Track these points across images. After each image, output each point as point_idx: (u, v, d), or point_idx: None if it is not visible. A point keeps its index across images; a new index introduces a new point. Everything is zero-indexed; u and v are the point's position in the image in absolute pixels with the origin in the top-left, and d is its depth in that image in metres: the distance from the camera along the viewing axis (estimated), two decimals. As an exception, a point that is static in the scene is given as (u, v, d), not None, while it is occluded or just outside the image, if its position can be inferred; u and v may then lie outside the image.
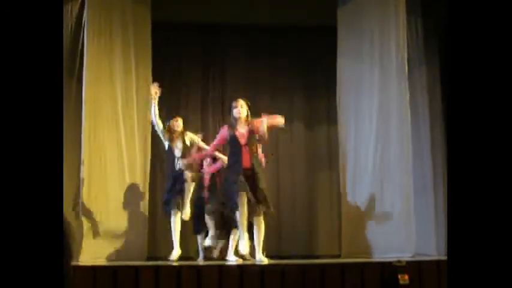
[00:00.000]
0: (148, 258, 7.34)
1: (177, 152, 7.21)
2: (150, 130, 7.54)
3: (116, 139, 7.18)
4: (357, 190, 7.48)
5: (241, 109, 6.46)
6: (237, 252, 6.74)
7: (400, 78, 7.32)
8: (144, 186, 7.34)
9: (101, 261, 6.56)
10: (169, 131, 7.32)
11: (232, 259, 6.96)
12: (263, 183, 6.33)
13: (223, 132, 6.55)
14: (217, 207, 6.81)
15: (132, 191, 7.22)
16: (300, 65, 9.22)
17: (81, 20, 7.26)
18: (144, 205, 7.31)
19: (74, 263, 5.74)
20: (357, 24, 7.76)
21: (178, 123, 7.38)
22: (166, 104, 8.82)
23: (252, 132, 6.41)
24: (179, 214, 7.07)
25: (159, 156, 8.33)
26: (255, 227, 6.37)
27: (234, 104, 6.53)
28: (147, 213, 7.35)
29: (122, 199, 7.17)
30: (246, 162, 6.35)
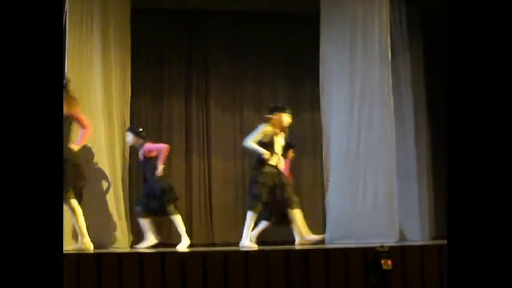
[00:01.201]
0: (133, 246, 7.33)
1: (278, 149, 6.95)
2: (128, 118, 7.56)
3: (96, 126, 7.17)
4: (340, 176, 7.48)
5: None
6: None
7: (383, 64, 7.33)
8: (124, 172, 7.35)
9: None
10: (275, 125, 6.92)
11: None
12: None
13: None
14: None
15: (112, 177, 7.22)
16: (283, 51, 9.20)
17: (63, 7, 7.22)
18: (124, 192, 7.32)
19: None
20: (340, 10, 7.75)
21: (288, 118, 7.06)
22: (150, 91, 8.81)
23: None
24: None
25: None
26: None
27: None
28: (127, 200, 7.36)
29: (102, 186, 7.17)
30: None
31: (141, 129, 7.40)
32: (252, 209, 6.85)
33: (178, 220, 7.24)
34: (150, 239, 7.18)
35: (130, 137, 7.32)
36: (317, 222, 8.47)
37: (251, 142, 6.88)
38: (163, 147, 7.23)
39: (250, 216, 6.86)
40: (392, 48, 7.41)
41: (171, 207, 7.20)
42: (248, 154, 8.91)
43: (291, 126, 9.09)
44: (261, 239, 8.37)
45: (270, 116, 6.99)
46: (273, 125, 6.93)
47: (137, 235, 7.70)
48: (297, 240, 6.99)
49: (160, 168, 7.09)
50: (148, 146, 7.25)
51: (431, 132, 8.34)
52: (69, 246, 6.39)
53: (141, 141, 7.30)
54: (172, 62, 8.97)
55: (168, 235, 8.33)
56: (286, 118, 7.00)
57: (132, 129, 7.38)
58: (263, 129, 6.91)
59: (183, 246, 7.04)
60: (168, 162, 8.45)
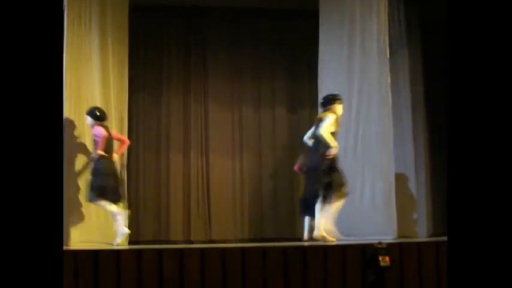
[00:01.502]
0: (131, 242, 7.34)
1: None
2: (126, 114, 7.57)
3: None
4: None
5: None
6: None
7: (381, 62, 7.32)
8: (122, 169, 7.36)
9: (82, 245, 6.55)
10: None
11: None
12: None
13: None
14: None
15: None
16: (282, 48, 9.19)
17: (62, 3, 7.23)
18: (122, 189, 7.32)
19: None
20: (339, 8, 7.76)
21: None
22: (148, 87, 8.80)
23: None
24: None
25: (137, 139, 8.37)
26: None
27: None
28: (126, 196, 7.37)
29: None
30: None
31: (96, 111, 6.99)
32: (346, 195, 6.80)
33: (102, 206, 6.91)
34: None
35: (88, 120, 6.98)
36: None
37: (328, 133, 6.74)
38: (101, 134, 6.85)
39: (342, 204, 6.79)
40: (390, 46, 7.41)
41: (93, 194, 6.79)
42: (246, 150, 8.95)
43: (289, 122, 9.15)
44: (262, 235, 8.42)
45: (331, 106, 6.91)
46: (335, 115, 6.87)
47: (135, 230, 7.75)
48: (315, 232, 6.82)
49: (96, 153, 6.82)
50: (94, 129, 6.91)
51: (429, 129, 8.34)
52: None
53: (96, 123, 6.93)
54: (171, 58, 8.96)
55: (165, 231, 8.35)
56: (341, 108, 6.95)
57: (89, 111, 7.01)
58: (333, 120, 6.80)
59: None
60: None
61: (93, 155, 6.90)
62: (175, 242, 7.98)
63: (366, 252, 5.44)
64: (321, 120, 6.83)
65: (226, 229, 8.59)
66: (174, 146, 8.71)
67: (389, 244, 5.55)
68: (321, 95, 7.73)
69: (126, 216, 7.01)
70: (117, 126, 7.45)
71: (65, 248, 6.08)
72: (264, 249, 5.47)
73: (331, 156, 6.68)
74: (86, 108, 7.13)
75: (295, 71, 9.17)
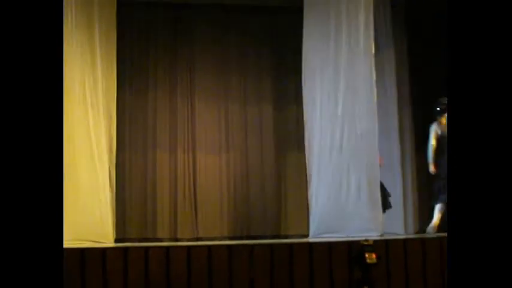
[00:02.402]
0: (118, 240, 7.31)
1: None
2: (115, 111, 7.53)
3: (84, 120, 7.13)
4: (323, 170, 7.48)
5: None
6: None
7: (366, 58, 7.31)
8: (110, 167, 7.33)
9: (68, 243, 6.52)
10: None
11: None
12: None
13: None
14: None
15: (99, 171, 7.19)
16: (269, 45, 9.19)
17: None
18: (111, 186, 7.29)
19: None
20: (324, 4, 7.74)
21: None
22: (135, 85, 8.76)
23: None
24: None
25: (123, 136, 8.33)
26: None
27: None
28: (114, 194, 7.34)
29: (89, 180, 7.13)
30: None
31: None
32: None
33: None
34: None
35: None
36: (302, 216, 8.47)
37: None
38: None
39: None
40: (376, 43, 7.41)
41: None
42: (232, 147, 8.94)
43: (275, 120, 9.15)
44: (248, 233, 8.43)
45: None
46: None
47: (122, 228, 7.72)
48: None
49: None
50: None
51: (415, 125, 8.37)
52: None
53: None
54: (157, 55, 8.93)
55: (152, 229, 8.33)
56: None
57: None
58: None
59: None
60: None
61: None
62: (161, 240, 7.96)
63: (352, 249, 5.45)
64: None
65: (213, 226, 8.58)
66: (160, 144, 8.69)
67: (375, 241, 5.56)
68: (306, 91, 7.70)
69: None
70: (106, 124, 7.40)
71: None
72: (251, 247, 5.47)
73: None
74: (75, 105, 7.08)
75: (282, 68, 9.17)
